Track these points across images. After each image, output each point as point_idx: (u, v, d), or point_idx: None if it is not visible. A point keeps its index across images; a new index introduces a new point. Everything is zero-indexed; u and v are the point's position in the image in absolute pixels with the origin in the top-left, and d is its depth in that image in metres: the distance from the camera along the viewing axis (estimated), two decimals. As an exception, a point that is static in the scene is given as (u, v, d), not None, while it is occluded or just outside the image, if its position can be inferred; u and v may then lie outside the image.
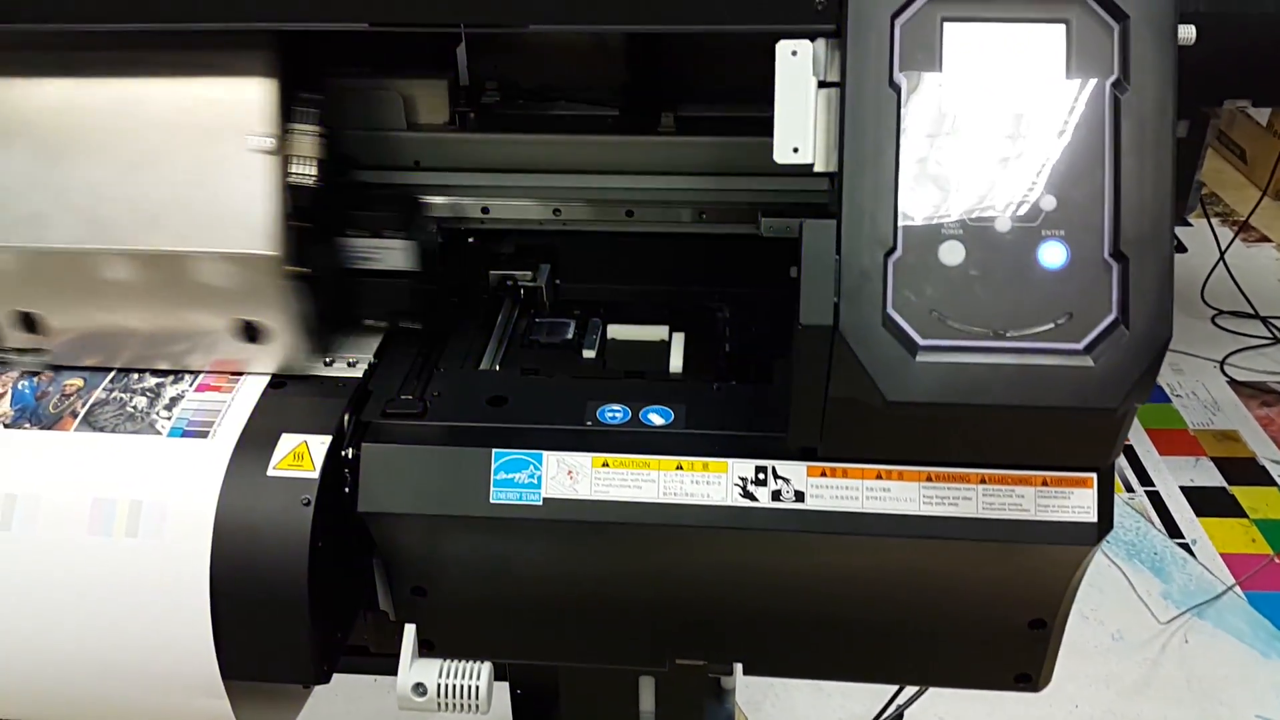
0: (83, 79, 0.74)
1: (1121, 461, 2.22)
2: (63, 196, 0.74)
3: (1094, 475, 0.66)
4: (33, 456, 0.74)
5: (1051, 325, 0.60)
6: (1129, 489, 2.25)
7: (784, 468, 0.69)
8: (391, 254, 0.81)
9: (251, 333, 0.76)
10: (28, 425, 0.76)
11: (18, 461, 0.74)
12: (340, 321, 0.83)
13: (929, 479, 0.68)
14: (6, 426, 0.76)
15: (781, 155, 0.63)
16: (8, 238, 0.74)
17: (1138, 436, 2.35)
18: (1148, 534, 2.07)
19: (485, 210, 0.86)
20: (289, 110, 0.74)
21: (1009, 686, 0.75)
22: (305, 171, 0.74)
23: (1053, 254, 0.60)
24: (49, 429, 0.76)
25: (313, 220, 0.76)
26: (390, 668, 0.79)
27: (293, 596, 0.70)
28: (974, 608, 0.72)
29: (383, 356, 0.82)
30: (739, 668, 0.83)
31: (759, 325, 0.85)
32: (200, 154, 0.73)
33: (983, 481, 0.67)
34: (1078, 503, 0.66)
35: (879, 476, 0.68)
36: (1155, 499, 2.18)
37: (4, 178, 0.74)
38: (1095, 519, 0.66)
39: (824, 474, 0.69)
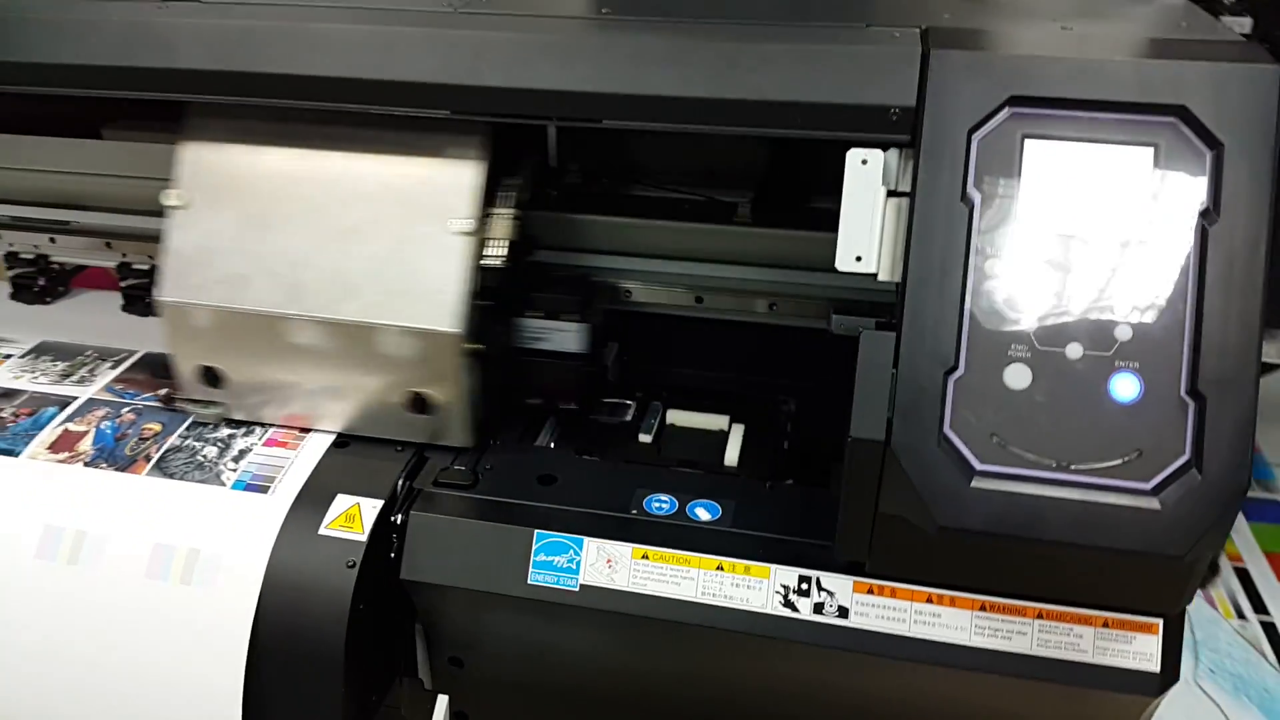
0: (298, 149, 0.78)
1: (1234, 585, 2.09)
2: (265, 261, 0.78)
3: (1160, 621, 0.63)
4: (106, 496, 0.78)
5: (1119, 461, 0.58)
6: (1240, 616, 2.10)
7: (829, 580, 0.67)
8: (565, 336, 0.82)
9: (421, 405, 0.78)
10: (104, 465, 0.80)
11: (92, 500, 0.78)
12: (506, 402, 0.84)
13: (983, 608, 0.65)
14: (86, 464, 0.81)
15: (844, 263, 0.62)
16: (208, 297, 0.78)
17: (1254, 558, 2.21)
18: (1259, 667, 1.92)
19: (556, 286, 0.88)
20: (491, 194, 0.77)
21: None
22: (497, 253, 0.77)
23: (1125, 387, 0.58)
24: (123, 470, 0.80)
25: (496, 299, 0.78)
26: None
27: (329, 656, 0.71)
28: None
29: (444, 424, 0.84)
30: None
31: (822, 423, 0.84)
32: (402, 231, 0.76)
33: (1039, 616, 0.64)
34: (1140, 649, 0.62)
35: (929, 600, 0.66)
36: (1270, 630, 2.03)
37: (212, 238, 0.79)
38: (1159, 669, 0.62)
39: (870, 591, 0.67)
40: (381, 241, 0.76)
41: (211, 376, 0.82)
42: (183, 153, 0.80)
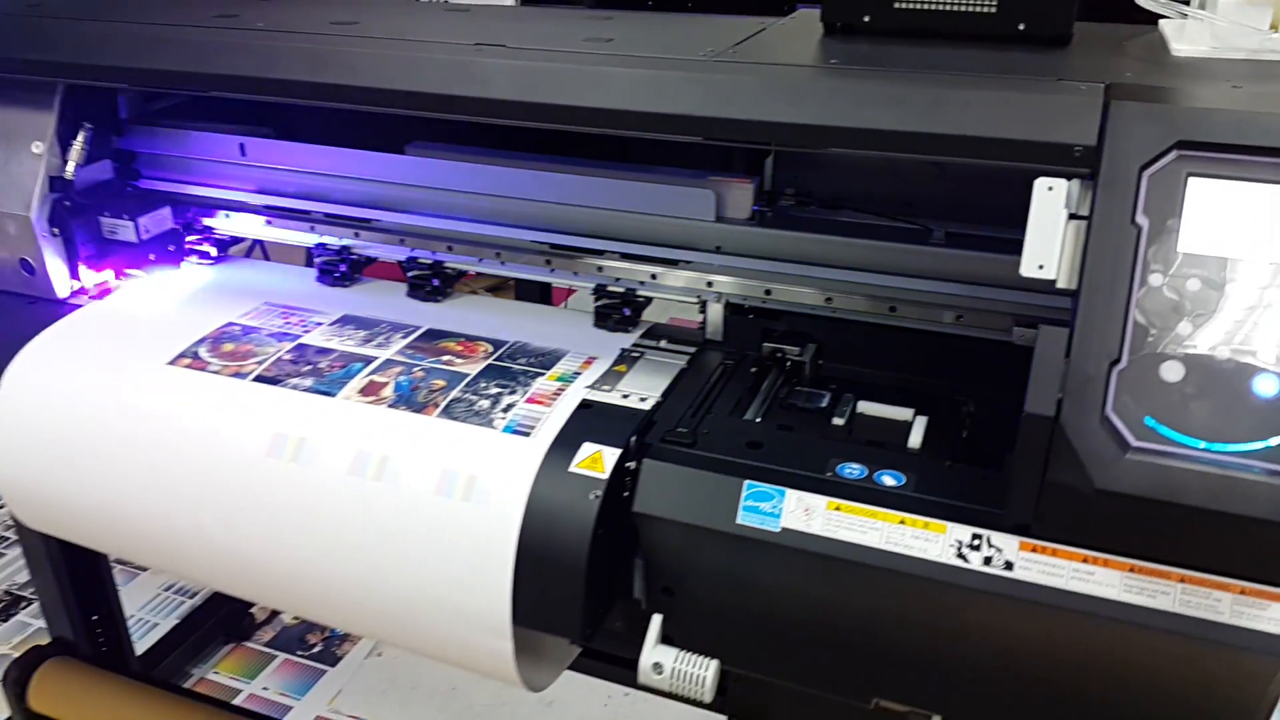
0: None
1: None
2: None
3: (1295, 593, 0.73)
4: (404, 431, 1.00)
5: (1260, 446, 0.70)
6: None
7: (998, 538, 0.81)
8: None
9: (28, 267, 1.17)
10: (402, 408, 1.03)
11: (394, 434, 1.00)
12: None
13: (1131, 570, 0.77)
14: (388, 406, 1.03)
15: (1028, 270, 0.77)
16: None
17: None
18: None
19: (768, 292, 1.06)
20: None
21: (1193, 790, 0.81)
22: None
23: (1266, 385, 0.70)
24: (417, 413, 1.02)
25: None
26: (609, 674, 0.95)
27: (575, 566, 0.90)
28: (1166, 704, 0.79)
29: (667, 398, 1.03)
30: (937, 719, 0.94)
31: (999, 423, 0.97)
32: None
33: (1182, 580, 0.76)
34: (1276, 615, 0.73)
35: (1085, 560, 0.78)
36: None
37: None
38: (1292, 634, 0.73)
39: (1034, 550, 0.80)
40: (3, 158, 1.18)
41: None
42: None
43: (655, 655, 0.94)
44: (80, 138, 1.18)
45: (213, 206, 1.30)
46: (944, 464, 0.90)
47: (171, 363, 1.09)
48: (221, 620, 2.04)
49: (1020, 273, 0.77)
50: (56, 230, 1.18)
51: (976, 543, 0.81)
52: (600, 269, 1.12)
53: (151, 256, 1.28)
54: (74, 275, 1.22)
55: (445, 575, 0.95)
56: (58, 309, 1.19)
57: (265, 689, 1.94)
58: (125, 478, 1.06)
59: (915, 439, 0.95)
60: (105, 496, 1.07)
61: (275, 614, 2.13)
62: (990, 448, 0.94)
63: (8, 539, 2.38)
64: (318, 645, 2.05)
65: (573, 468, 0.93)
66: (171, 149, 1.28)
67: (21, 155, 1.15)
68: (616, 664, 1.40)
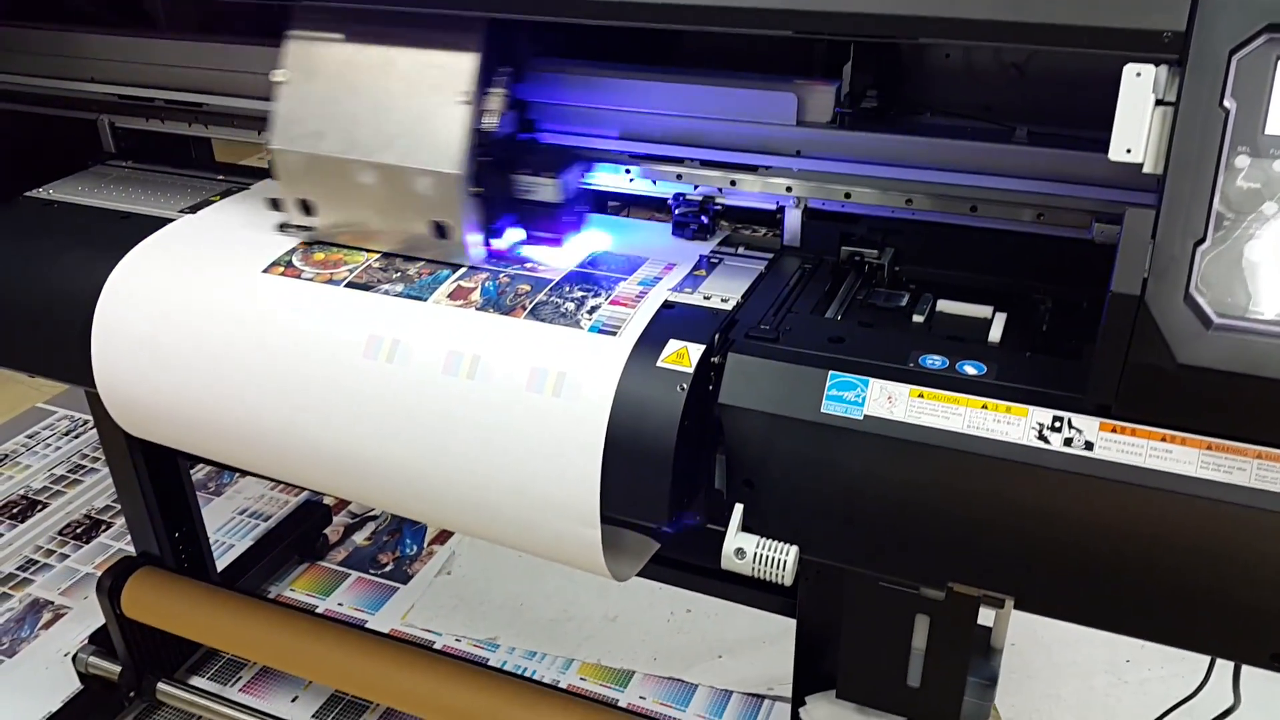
0: (359, 44, 1.13)
1: None
2: (335, 120, 1.14)
3: (1372, 466, 0.77)
4: (495, 332, 1.06)
5: (1343, 321, 0.73)
6: None
7: (1078, 420, 0.85)
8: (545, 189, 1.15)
9: (441, 231, 1.13)
10: (491, 310, 1.09)
11: (484, 334, 1.06)
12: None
13: (1209, 448, 0.81)
14: (477, 309, 1.09)
15: (1116, 154, 0.80)
16: (297, 144, 1.15)
17: None
18: None
19: (847, 195, 1.09)
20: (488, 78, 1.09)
21: (1264, 664, 0.86)
22: (491, 121, 1.10)
23: (1352, 259, 0.73)
24: (506, 315, 1.08)
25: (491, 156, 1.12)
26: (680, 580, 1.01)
27: (662, 455, 0.96)
28: (1238, 578, 0.84)
29: (747, 299, 1.08)
30: (1010, 604, 0.99)
31: (1077, 319, 1.01)
32: (424, 101, 1.10)
33: (1259, 457, 0.80)
34: (1351, 488, 0.77)
35: (1163, 439, 0.83)
36: None
37: (302, 103, 1.15)
38: (1369, 504, 0.77)
39: (1114, 430, 0.84)
40: (411, 108, 1.10)
41: (305, 206, 1.19)
42: (289, 45, 1.15)
43: (738, 542, 1.00)
44: (500, 84, 1.10)
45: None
46: (1024, 355, 0.94)
47: (266, 270, 1.16)
48: (296, 541, 2.15)
49: (1109, 157, 0.80)
50: (479, 188, 1.10)
51: (1057, 424, 0.86)
52: (679, 176, 1.16)
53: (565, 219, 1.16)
54: (490, 238, 1.15)
55: (537, 468, 1.01)
56: (154, 226, 1.25)
57: (340, 604, 2.05)
58: (225, 380, 1.14)
59: (995, 334, 0.99)
60: (206, 399, 1.15)
61: (348, 535, 2.24)
62: (1069, 341, 0.98)
63: (84, 466, 2.50)
64: (389, 565, 2.15)
65: (659, 363, 0.98)
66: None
67: (442, 104, 1.09)
68: (687, 570, 1.47)
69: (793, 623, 1.95)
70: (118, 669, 1.71)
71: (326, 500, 2.32)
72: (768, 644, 1.94)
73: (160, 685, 1.72)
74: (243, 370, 1.12)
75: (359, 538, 2.23)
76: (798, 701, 1.34)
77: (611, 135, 1.18)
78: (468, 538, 2.21)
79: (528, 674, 1.84)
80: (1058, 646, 1.92)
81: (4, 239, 1.27)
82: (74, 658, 1.76)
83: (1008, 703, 1.80)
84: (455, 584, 2.10)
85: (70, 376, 1.21)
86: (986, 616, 1.15)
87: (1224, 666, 1.36)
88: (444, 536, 2.23)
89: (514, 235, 1.18)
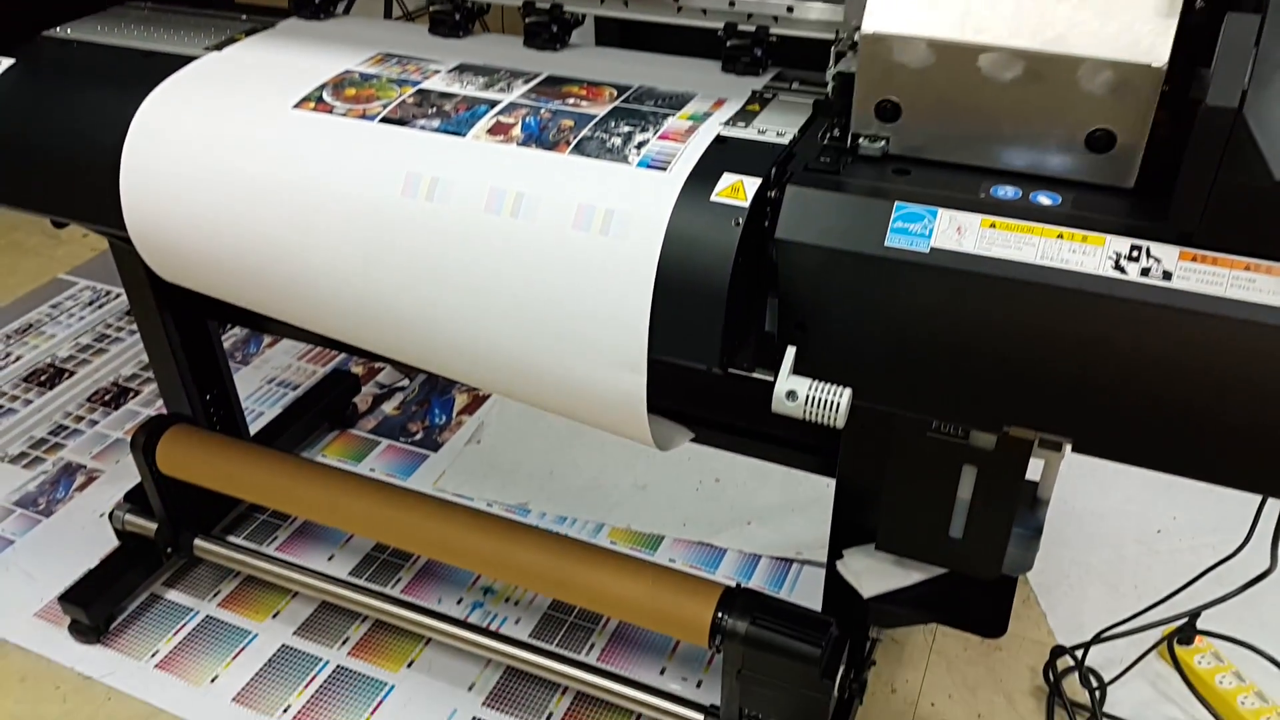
0: None
1: None
2: None
3: None
4: (539, 168, 1.02)
5: None
6: None
7: (1157, 249, 0.82)
8: None
9: (1102, 143, 0.85)
10: (533, 145, 1.04)
11: (527, 170, 1.02)
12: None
13: (1298, 275, 0.78)
14: (518, 145, 1.05)
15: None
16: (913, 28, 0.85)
17: None
18: None
19: (909, 23, 1.03)
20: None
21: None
22: None
23: None
24: (549, 150, 1.04)
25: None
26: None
27: (715, 293, 0.92)
28: (1318, 413, 0.81)
29: (804, 134, 1.03)
30: (1065, 451, 0.98)
31: (1162, 150, 0.96)
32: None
33: (1354, 284, 0.76)
34: None
35: (1247, 269, 0.79)
36: None
37: None
38: None
39: (1194, 259, 0.81)
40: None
41: (886, 110, 0.91)
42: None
43: (789, 384, 0.97)
44: None
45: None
46: (1099, 187, 0.90)
47: (297, 106, 1.12)
48: (325, 409, 2.15)
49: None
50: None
51: (1135, 254, 0.82)
52: (732, 3, 1.10)
53: None
54: None
55: (584, 308, 0.99)
56: (178, 64, 1.20)
57: (372, 469, 2.06)
58: (256, 219, 1.10)
59: (1066, 166, 0.94)
60: (237, 239, 1.12)
61: (376, 405, 2.24)
62: (1152, 173, 0.93)
63: (109, 336, 2.50)
64: (419, 433, 2.15)
65: (713, 197, 0.95)
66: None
67: None
68: (721, 430, 1.46)
69: (822, 492, 1.97)
70: (154, 525, 1.73)
71: (355, 369, 2.32)
72: (796, 512, 1.95)
73: (198, 541, 1.75)
74: (274, 208, 1.09)
75: (388, 407, 2.23)
76: (834, 555, 1.35)
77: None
78: (496, 408, 2.21)
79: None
80: (1089, 517, 1.92)
81: (26, 79, 1.23)
82: (110, 515, 1.78)
83: (1037, 568, 1.81)
84: (485, 452, 2.11)
85: (99, 218, 1.18)
86: (1033, 470, 1.13)
87: (1262, 533, 1.37)
88: (473, 407, 2.23)
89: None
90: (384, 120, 1.09)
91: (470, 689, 1.62)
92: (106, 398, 2.29)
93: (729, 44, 1.12)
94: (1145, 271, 0.82)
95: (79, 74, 1.23)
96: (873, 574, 1.27)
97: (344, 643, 1.70)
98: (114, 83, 1.18)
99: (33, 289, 2.69)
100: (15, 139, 1.20)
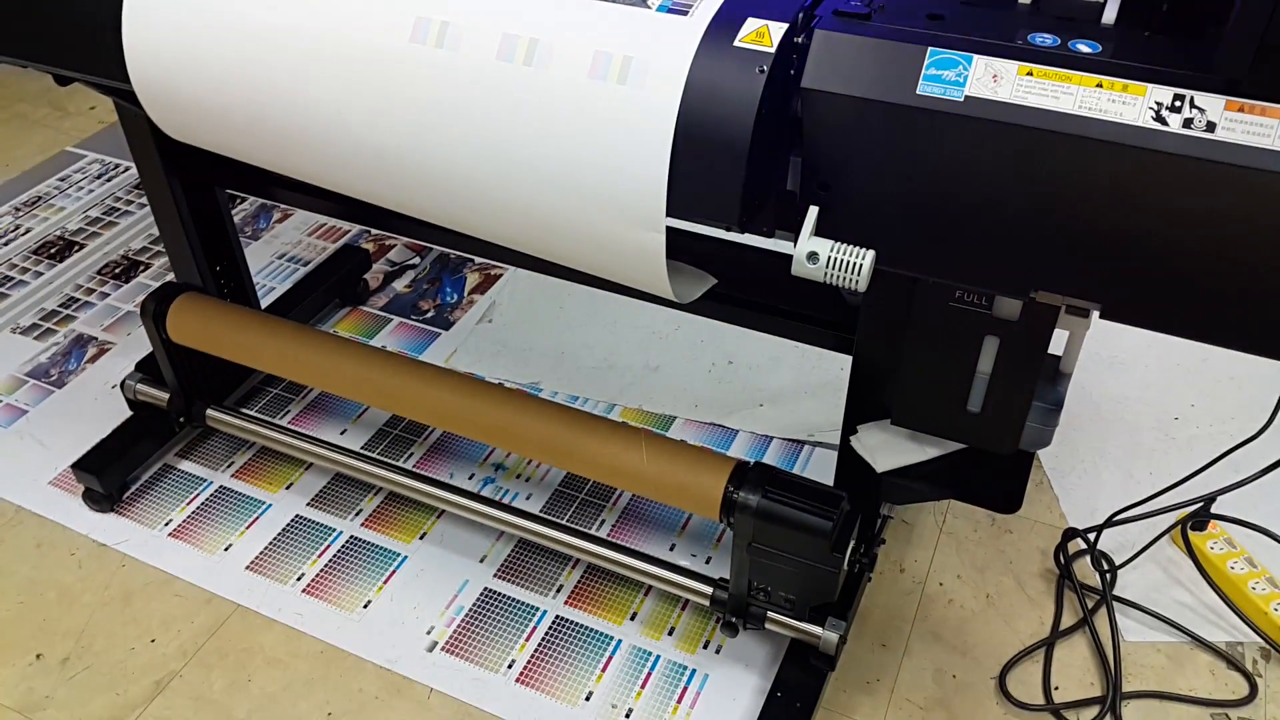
0: None
1: None
2: None
3: None
4: (553, 14, 0.98)
5: None
6: None
7: (1202, 99, 0.78)
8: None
9: None
10: (548, -10, 1.00)
11: (542, 16, 0.98)
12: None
13: (1353, 126, 0.74)
14: (532, -11, 1.01)
15: None
16: None
17: None
18: None
19: None
20: None
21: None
22: None
23: None
24: (564, -6, 0.99)
25: None
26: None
27: (737, 147, 0.90)
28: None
29: (833, -20, 0.98)
30: (1092, 317, 0.96)
31: (1204, 4, 0.91)
32: None
33: None
34: None
35: (1299, 118, 0.76)
36: None
37: None
38: None
39: (1242, 109, 0.77)
40: None
41: None
42: None
43: (811, 245, 0.95)
44: None
45: None
46: (1141, 35, 0.86)
47: (303, -53, 1.07)
48: (335, 284, 2.14)
49: None
50: None
51: (1178, 104, 0.79)
52: None
53: None
54: None
55: (599, 162, 0.96)
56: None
57: (384, 346, 2.06)
58: (262, 68, 1.07)
59: (1109, 15, 0.90)
60: (243, 89, 1.09)
61: (387, 282, 2.23)
62: (1193, 23, 0.89)
63: (118, 209, 2.48)
64: (430, 311, 2.15)
65: (736, 43, 0.91)
66: None
67: None
68: (735, 304, 1.45)
69: (834, 375, 1.96)
70: (166, 395, 1.74)
71: (366, 245, 2.30)
72: (808, 395, 1.95)
73: (210, 411, 1.76)
74: (279, 55, 1.06)
75: (399, 285, 2.22)
76: (849, 431, 1.35)
77: None
78: (508, 287, 2.20)
79: (571, 414, 1.86)
80: (1106, 402, 1.91)
81: (17, -83, 1.18)
82: (122, 385, 1.79)
83: (1051, 453, 1.81)
84: (497, 331, 2.10)
85: (102, 70, 1.15)
86: (1054, 346, 1.12)
87: (1283, 417, 1.35)
88: (485, 285, 2.21)
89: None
90: (392, -37, 1.04)
91: (482, 560, 1.65)
92: (117, 270, 2.28)
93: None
94: (1188, 123, 0.78)
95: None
96: (887, 449, 1.27)
97: (357, 514, 1.73)
98: (111, -78, 1.14)
99: (40, 162, 2.66)
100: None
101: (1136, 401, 1.91)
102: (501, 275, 2.23)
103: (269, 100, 1.08)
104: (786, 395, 1.96)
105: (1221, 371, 1.96)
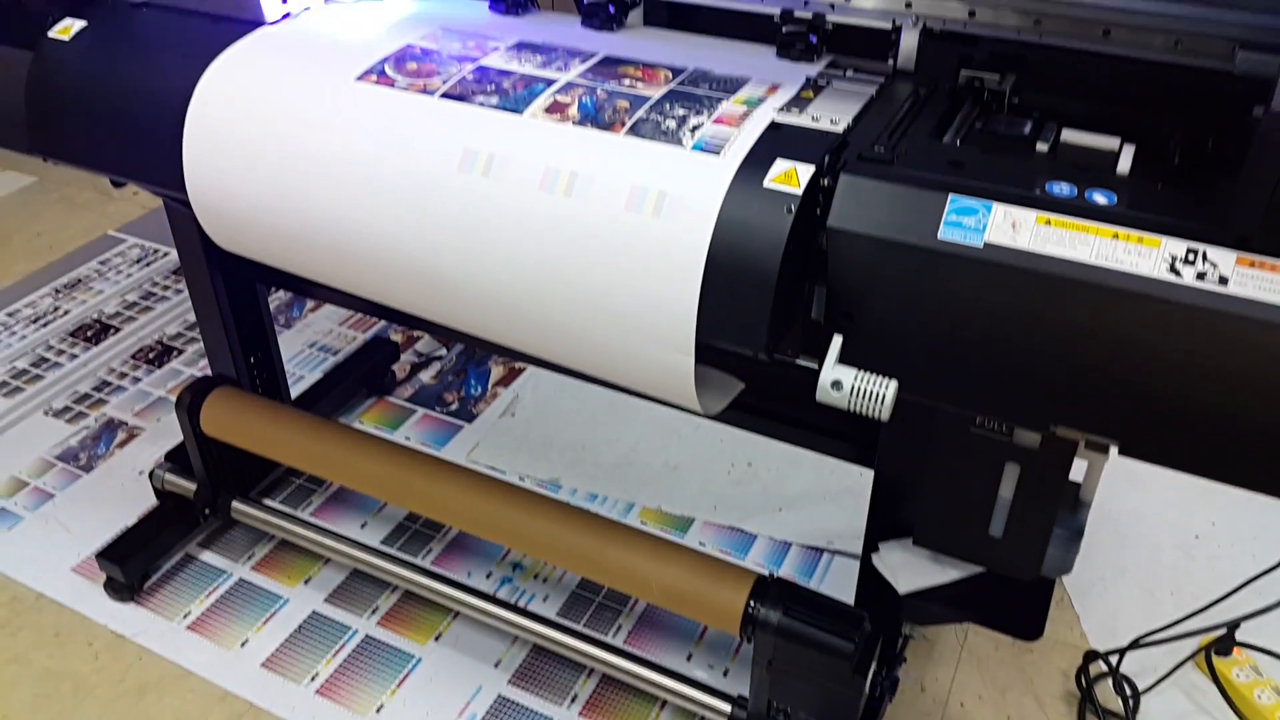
0: None
1: None
2: None
3: None
4: (593, 148, 1.04)
5: None
6: None
7: (1214, 253, 0.82)
8: None
9: None
10: (589, 125, 1.06)
11: (583, 150, 1.04)
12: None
13: (1359, 286, 0.78)
14: (575, 124, 1.07)
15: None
16: None
17: None
18: None
19: (972, 14, 1.04)
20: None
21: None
22: None
23: None
24: (605, 131, 1.05)
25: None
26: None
27: (765, 280, 0.94)
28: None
29: (858, 123, 1.04)
30: (1111, 453, 0.99)
31: (1210, 153, 0.96)
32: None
33: None
34: None
35: (1307, 277, 0.80)
36: None
37: None
38: None
39: (1253, 265, 0.81)
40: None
41: None
42: None
43: (835, 373, 0.99)
44: None
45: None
46: (1155, 187, 0.91)
47: (360, 78, 1.14)
48: (364, 375, 2.19)
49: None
50: None
51: (1191, 257, 0.83)
52: (790, -10, 1.11)
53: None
54: None
55: (633, 290, 1.01)
56: (245, 30, 1.23)
57: (407, 439, 2.10)
58: (316, 190, 1.13)
59: (1124, 165, 0.95)
60: (296, 209, 1.15)
61: (414, 373, 2.28)
62: (1204, 176, 0.94)
63: (155, 294, 2.56)
64: (454, 403, 2.19)
65: (766, 183, 0.96)
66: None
67: None
68: (758, 414, 1.48)
69: (855, 481, 1.98)
70: (193, 486, 1.78)
71: (394, 337, 2.36)
72: (828, 500, 1.97)
73: (235, 504, 1.80)
74: (334, 179, 1.12)
75: (425, 376, 2.27)
76: (870, 549, 1.36)
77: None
78: (531, 381, 2.24)
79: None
80: (1126, 518, 1.92)
81: (97, 39, 1.27)
82: (150, 474, 1.83)
83: (1072, 571, 1.81)
84: (519, 425, 2.14)
85: (161, 181, 1.22)
86: (1075, 472, 1.14)
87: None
88: (508, 379, 2.26)
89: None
90: (444, 96, 1.11)
91: (496, 665, 1.66)
92: (150, 355, 2.34)
93: (784, 30, 1.13)
94: (1201, 275, 0.82)
95: (148, 37, 1.26)
96: (909, 569, 1.28)
97: (373, 612, 1.74)
98: (181, 47, 1.22)
99: (83, 244, 2.76)
100: (85, 100, 1.24)
101: (1156, 519, 1.92)
102: (525, 368, 2.28)
103: (322, 221, 1.14)
104: (806, 500, 1.97)
105: (1242, 491, 1.96)
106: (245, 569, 1.82)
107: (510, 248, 1.05)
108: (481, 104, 1.10)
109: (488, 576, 1.80)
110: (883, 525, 1.35)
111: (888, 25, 1.09)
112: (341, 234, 1.14)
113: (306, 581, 1.80)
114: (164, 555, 1.82)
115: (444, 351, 2.34)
